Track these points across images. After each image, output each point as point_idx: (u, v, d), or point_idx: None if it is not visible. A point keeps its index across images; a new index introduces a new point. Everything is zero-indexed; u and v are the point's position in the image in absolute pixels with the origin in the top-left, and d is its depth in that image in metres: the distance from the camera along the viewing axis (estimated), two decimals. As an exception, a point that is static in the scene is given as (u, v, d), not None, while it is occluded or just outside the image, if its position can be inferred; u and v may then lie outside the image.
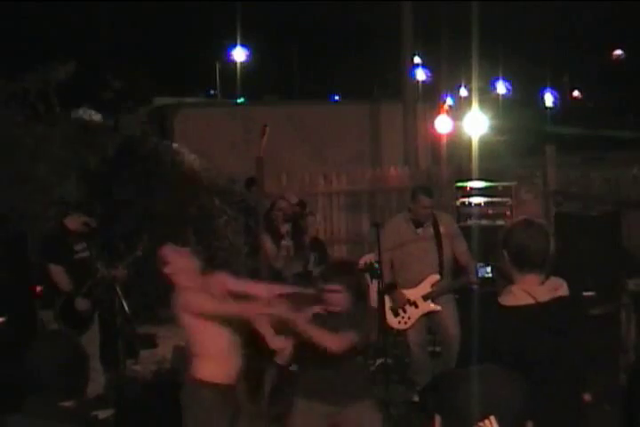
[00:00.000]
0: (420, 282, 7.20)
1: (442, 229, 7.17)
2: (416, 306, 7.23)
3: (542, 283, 3.62)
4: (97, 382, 6.81)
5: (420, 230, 7.20)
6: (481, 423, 2.34)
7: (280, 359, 7.30)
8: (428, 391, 7.02)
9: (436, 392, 2.68)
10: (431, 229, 7.17)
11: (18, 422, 3.25)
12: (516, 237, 3.65)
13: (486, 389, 2.39)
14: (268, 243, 7.54)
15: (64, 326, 6.88)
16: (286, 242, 7.42)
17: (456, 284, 7.24)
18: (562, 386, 3.57)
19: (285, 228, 7.51)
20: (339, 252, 10.76)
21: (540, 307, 3.54)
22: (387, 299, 7.29)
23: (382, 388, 7.42)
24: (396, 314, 7.29)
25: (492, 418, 2.34)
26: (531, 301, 3.55)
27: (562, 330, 3.54)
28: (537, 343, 3.49)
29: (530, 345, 3.49)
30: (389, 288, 7.27)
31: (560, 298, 3.60)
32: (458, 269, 7.36)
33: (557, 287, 3.64)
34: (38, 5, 21.86)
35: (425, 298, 7.19)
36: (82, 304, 7.14)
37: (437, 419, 2.45)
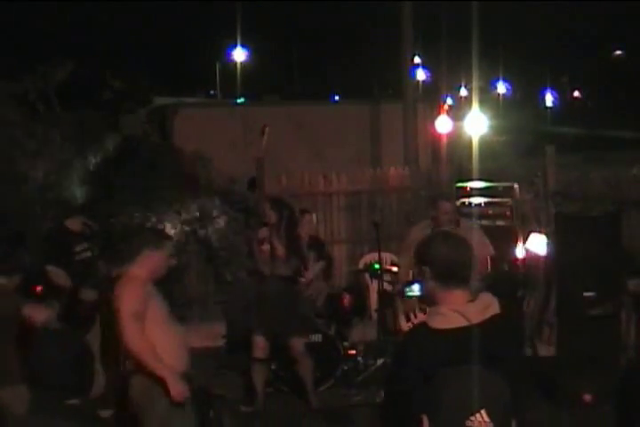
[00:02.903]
0: None
1: None
2: (425, 312, 7.23)
3: (471, 300, 3.34)
4: (97, 383, 6.82)
5: None
6: (472, 417, 2.36)
7: (257, 353, 7.32)
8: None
9: (422, 393, 2.59)
10: None
11: (22, 420, 3.26)
12: (439, 251, 3.37)
13: (474, 385, 2.41)
14: (253, 246, 7.54)
15: (66, 326, 6.87)
16: (265, 247, 7.38)
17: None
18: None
19: (263, 232, 7.46)
20: (338, 252, 10.76)
21: (474, 329, 3.25)
22: (399, 303, 7.38)
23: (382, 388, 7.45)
24: (408, 319, 7.34)
25: (483, 412, 2.36)
26: (464, 322, 3.26)
27: (497, 353, 3.24)
28: (468, 369, 3.12)
29: (461, 371, 3.14)
30: (402, 295, 7.35)
31: (493, 318, 3.32)
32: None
33: (489, 305, 3.36)
34: (38, 5, 21.86)
35: None
36: (88, 294, 7.11)
37: (425, 419, 2.46)
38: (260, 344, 7.24)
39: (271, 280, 7.28)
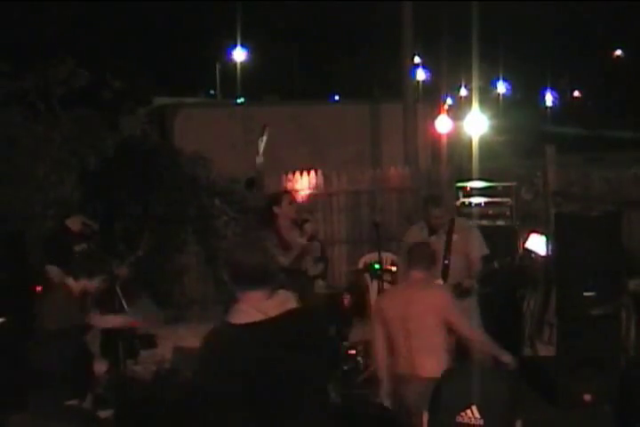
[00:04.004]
0: None
1: (455, 237, 7.21)
2: None
3: (269, 297, 3.58)
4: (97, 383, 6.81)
5: (433, 238, 7.25)
6: (463, 413, 2.41)
7: None
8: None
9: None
10: (444, 237, 7.22)
11: (21, 421, 3.26)
12: (232, 256, 3.65)
13: (469, 382, 2.46)
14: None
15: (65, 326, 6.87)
16: (302, 240, 7.31)
17: (457, 289, 7.24)
18: (296, 400, 3.53)
19: (310, 227, 7.38)
20: (338, 252, 10.76)
21: (270, 322, 3.51)
22: None
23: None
24: None
25: (474, 408, 2.40)
26: (261, 316, 3.52)
27: (294, 343, 3.52)
28: (271, 359, 3.46)
29: (264, 361, 3.46)
30: None
31: (291, 311, 3.57)
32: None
33: (285, 300, 3.61)
34: (38, 5, 21.85)
35: None
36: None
37: (425, 416, 2.51)
38: None
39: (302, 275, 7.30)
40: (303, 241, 7.16)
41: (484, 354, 5.61)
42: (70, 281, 6.25)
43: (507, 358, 5.62)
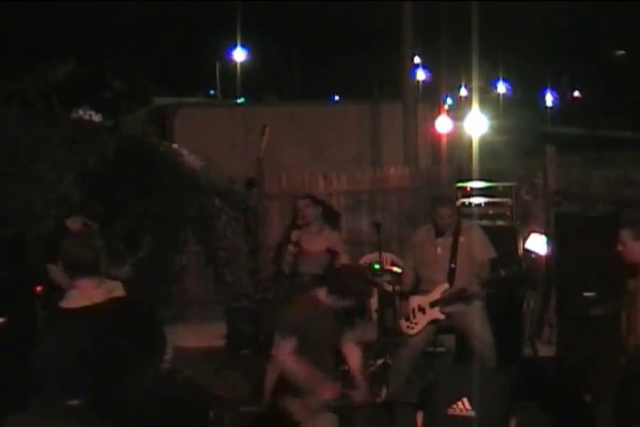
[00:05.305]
0: (432, 289, 7.29)
1: (461, 239, 7.22)
2: (424, 312, 7.30)
3: (98, 286, 4.10)
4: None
5: (440, 240, 7.26)
6: (454, 405, 2.46)
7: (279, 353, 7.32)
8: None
9: (421, 390, 2.75)
10: (450, 239, 7.22)
11: (21, 421, 3.26)
12: (67, 248, 4.21)
13: (463, 379, 2.50)
14: (282, 245, 7.56)
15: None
16: (291, 248, 7.38)
17: (463, 292, 7.24)
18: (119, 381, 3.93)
19: (295, 234, 7.45)
20: (338, 252, 10.73)
21: (95, 307, 4.00)
22: (398, 303, 7.48)
23: (383, 388, 7.44)
24: (407, 319, 7.39)
25: (465, 400, 2.45)
26: (88, 302, 4.02)
27: (117, 328, 3.98)
28: (96, 342, 3.87)
29: (90, 344, 3.86)
30: (402, 295, 7.46)
31: (115, 298, 4.08)
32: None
33: (113, 289, 4.13)
34: (38, 5, 21.87)
35: (432, 305, 7.24)
36: None
37: (420, 414, 2.56)
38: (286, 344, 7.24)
39: (304, 279, 7.32)
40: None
41: None
42: None
43: None
